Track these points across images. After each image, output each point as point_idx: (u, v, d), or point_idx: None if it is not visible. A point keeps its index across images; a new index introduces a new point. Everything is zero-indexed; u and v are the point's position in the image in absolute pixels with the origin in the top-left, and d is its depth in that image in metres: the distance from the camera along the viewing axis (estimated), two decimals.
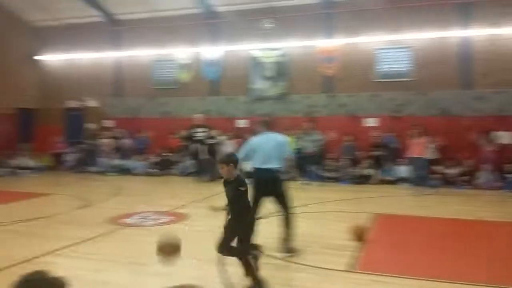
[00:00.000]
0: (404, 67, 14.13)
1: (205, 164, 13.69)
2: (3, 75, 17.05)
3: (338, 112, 14.65)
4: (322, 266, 5.53)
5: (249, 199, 5.03)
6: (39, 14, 17.27)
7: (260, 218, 5.92)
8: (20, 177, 15.16)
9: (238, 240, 4.82)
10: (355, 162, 13.57)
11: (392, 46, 14.22)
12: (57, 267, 5.69)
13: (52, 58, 18.29)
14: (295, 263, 5.71)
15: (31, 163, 16.27)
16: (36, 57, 18.31)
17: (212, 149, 13.60)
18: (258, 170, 6.05)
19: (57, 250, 6.32)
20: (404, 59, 14.14)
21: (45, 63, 18.48)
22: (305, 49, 15.02)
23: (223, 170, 4.83)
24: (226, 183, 4.87)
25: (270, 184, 5.98)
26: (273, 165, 6.00)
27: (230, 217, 4.89)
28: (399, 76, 14.12)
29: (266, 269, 5.50)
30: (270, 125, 6.33)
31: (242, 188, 4.75)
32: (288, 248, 6.05)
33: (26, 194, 11.49)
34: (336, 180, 13.28)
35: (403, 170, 12.54)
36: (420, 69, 13.82)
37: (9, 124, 17.24)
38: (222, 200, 8.10)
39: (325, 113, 14.70)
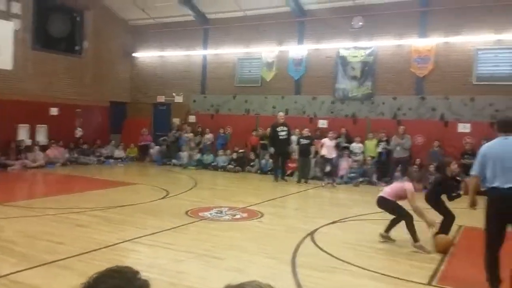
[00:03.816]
0: (507, 69, 12.96)
1: (299, 164, 13.53)
2: (102, 70, 18.26)
3: (427, 115, 13.80)
4: (399, 276, 5.28)
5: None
6: (136, 13, 18.22)
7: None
8: (108, 166, 16.10)
9: None
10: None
11: (494, 46, 13.08)
12: (136, 255, 5.87)
13: (145, 55, 19.22)
14: (372, 271, 5.41)
15: (119, 153, 17.24)
16: (133, 54, 19.34)
17: (305, 150, 13.39)
18: (493, 191, 4.67)
19: (137, 238, 6.51)
20: (508, 61, 12.96)
21: (138, 59, 19.48)
22: (396, 49, 14.35)
23: None
24: None
25: (511, 209, 4.59)
26: None
27: None
28: (500, 79, 12.96)
29: (342, 274, 5.27)
30: (510, 126, 4.84)
31: None
32: None
33: (112, 183, 12.15)
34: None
35: None
36: None
37: (103, 116, 18.40)
38: (296, 201, 7.87)
39: (413, 116, 13.92)
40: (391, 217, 6.86)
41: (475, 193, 5.04)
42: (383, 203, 6.76)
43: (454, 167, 7.03)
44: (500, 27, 12.87)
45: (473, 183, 5.02)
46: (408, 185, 6.59)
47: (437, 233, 6.63)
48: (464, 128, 13.09)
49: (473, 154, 12.36)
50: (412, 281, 5.14)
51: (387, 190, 6.85)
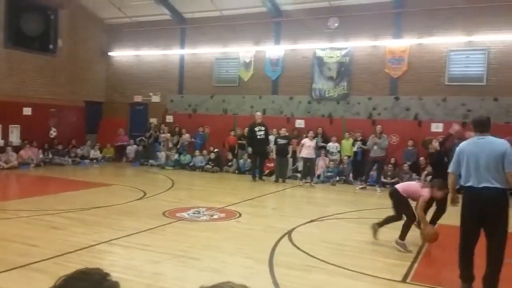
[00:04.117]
0: (478, 70, 13.30)
1: (277, 164, 13.53)
2: (77, 70, 17.96)
3: (401, 115, 14.06)
4: (374, 274, 5.37)
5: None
6: (112, 12, 17.99)
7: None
8: (83, 167, 15.86)
9: None
10: (416, 168, 12.96)
11: (466, 48, 13.43)
12: (112, 256, 5.82)
13: (121, 54, 19.00)
14: (348, 269, 5.49)
15: (95, 154, 17.00)
16: (108, 53, 19.10)
17: (283, 150, 13.40)
18: (468, 190, 4.77)
19: (113, 239, 6.45)
20: (478, 62, 13.31)
21: (114, 58, 19.25)
22: (370, 50, 14.56)
23: None
24: None
25: (485, 208, 4.67)
26: (487, 183, 4.60)
27: None
28: (472, 80, 13.31)
29: (318, 273, 5.34)
30: (485, 126, 4.85)
31: None
32: None
33: (88, 184, 11.99)
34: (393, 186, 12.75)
35: None
36: (496, 73, 12.95)
37: (78, 116, 18.11)
38: (273, 200, 7.90)
39: (388, 116, 14.17)
40: (369, 217, 6.97)
41: (454, 190, 5.18)
42: (395, 195, 6.74)
43: (436, 144, 7.27)
44: (471, 29, 13.21)
45: (451, 180, 5.14)
46: (425, 192, 6.50)
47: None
48: (437, 127, 13.36)
49: (445, 153, 12.73)
50: (387, 279, 5.25)
51: (403, 186, 6.90)
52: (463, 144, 5.03)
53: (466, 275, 4.86)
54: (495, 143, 4.71)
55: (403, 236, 6.46)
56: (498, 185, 4.58)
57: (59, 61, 17.20)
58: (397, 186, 6.98)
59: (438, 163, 7.22)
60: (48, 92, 16.80)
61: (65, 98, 17.35)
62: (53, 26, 17.12)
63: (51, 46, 17.11)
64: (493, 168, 4.59)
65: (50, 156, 15.97)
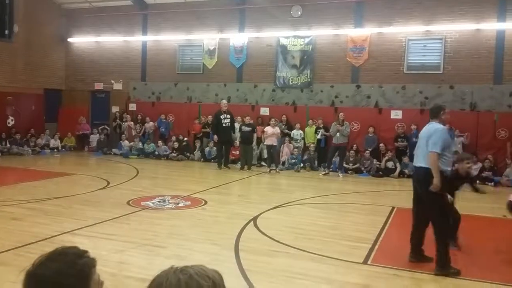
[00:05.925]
0: (435, 59, 13.74)
1: (241, 152, 13.56)
2: (34, 57, 17.33)
3: (363, 103, 14.39)
4: (336, 257, 5.55)
5: None
6: None
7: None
8: (44, 157, 15.45)
9: None
10: (377, 154, 13.34)
11: (424, 37, 13.83)
12: None
13: (81, 40, 18.46)
14: (311, 253, 5.65)
15: (55, 143, 16.56)
16: (68, 39, 18.51)
17: (247, 137, 13.42)
18: (412, 168, 5.55)
19: (76, 229, 6.38)
20: (435, 51, 13.74)
21: (74, 45, 18.69)
22: (333, 38, 14.75)
23: None
24: None
25: (415, 184, 5.35)
26: (420, 163, 5.22)
27: None
28: (429, 68, 13.74)
29: (283, 257, 5.47)
30: (433, 114, 5.44)
31: None
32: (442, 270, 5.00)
33: (49, 173, 11.69)
34: (356, 172, 13.11)
35: None
36: (452, 62, 13.43)
37: (37, 104, 17.54)
38: (239, 188, 7.95)
39: (350, 103, 14.46)
40: (331, 202, 7.14)
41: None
42: None
43: (467, 165, 5.96)
44: (428, 19, 13.60)
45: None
46: None
47: None
48: (396, 115, 13.78)
49: (405, 137, 13.21)
50: (348, 261, 5.42)
51: None
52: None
53: (412, 248, 5.38)
54: (433, 128, 5.20)
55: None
56: (428, 166, 5.07)
57: (16, 47, 16.49)
58: None
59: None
60: (5, 79, 16.18)
61: (23, 85, 16.76)
62: (9, 10, 16.38)
63: (6, 32, 16.36)
64: (426, 150, 5.12)
65: (8, 145, 15.45)
